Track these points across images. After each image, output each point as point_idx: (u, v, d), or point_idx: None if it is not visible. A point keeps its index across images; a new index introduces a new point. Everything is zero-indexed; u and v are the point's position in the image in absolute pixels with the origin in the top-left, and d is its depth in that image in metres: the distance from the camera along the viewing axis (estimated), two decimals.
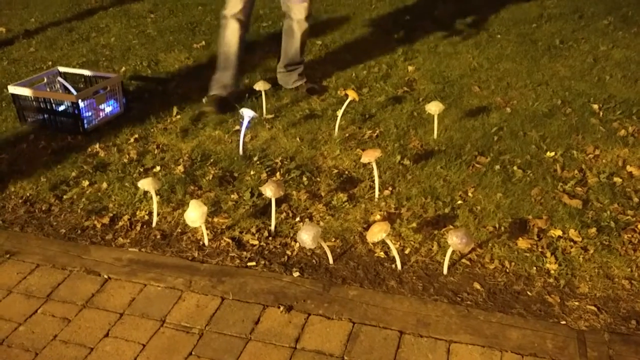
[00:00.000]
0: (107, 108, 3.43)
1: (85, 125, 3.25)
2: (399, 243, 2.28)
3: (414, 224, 2.37)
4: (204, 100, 3.46)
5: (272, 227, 2.39)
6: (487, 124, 3.17)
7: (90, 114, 3.32)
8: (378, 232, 2.06)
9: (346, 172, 2.78)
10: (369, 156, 2.52)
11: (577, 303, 1.97)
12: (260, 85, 3.35)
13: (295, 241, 2.28)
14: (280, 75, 3.70)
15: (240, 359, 1.79)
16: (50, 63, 4.29)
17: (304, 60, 3.66)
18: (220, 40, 3.42)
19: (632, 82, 3.59)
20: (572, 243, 2.23)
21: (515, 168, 2.73)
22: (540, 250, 2.21)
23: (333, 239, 2.33)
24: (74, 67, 3.85)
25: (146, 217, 2.50)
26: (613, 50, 4.08)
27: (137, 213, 2.53)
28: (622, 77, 3.66)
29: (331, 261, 2.21)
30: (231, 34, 3.35)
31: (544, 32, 4.50)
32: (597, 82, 3.63)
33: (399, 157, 2.86)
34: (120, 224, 2.47)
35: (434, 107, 2.99)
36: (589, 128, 3.08)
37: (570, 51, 4.12)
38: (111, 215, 2.52)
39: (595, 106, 3.29)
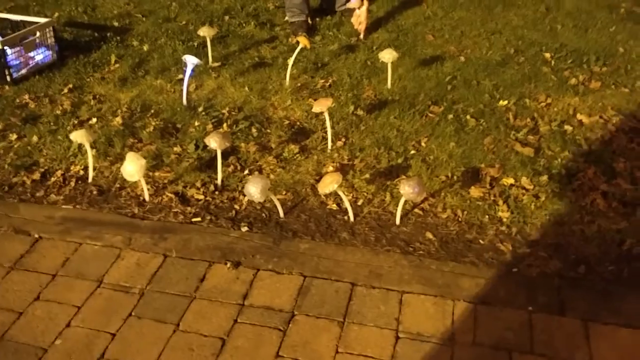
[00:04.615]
0: (38, 56, 3.16)
1: (14, 74, 2.99)
2: (351, 195, 2.21)
3: (367, 175, 2.30)
4: (289, 27, 3.62)
5: (219, 181, 2.26)
6: (440, 73, 3.09)
7: (18, 62, 3.05)
8: (330, 183, 1.97)
9: (298, 123, 2.67)
10: (321, 105, 2.41)
11: (528, 250, 1.97)
12: (205, 31, 3.14)
13: (244, 195, 2.17)
14: None
15: (184, 318, 1.70)
16: None
17: None
18: None
19: (583, 32, 3.58)
20: (524, 191, 2.21)
21: (468, 117, 2.68)
22: (492, 198, 2.18)
23: (284, 192, 2.24)
24: (0, 12, 3.51)
25: (81, 172, 2.33)
26: (564, 0, 4.04)
27: (71, 168, 2.35)
28: (573, 27, 3.64)
29: (282, 215, 2.12)
30: None
31: None
32: (549, 31, 3.59)
33: (352, 107, 2.75)
34: (53, 179, 2.29)
35: (387, 55, 2.88)
36: (541, 77, 3.05)
37: (523, 0, 4.06)
38: (42, 170, 2.33)
39: (547, 55, 3.26)
